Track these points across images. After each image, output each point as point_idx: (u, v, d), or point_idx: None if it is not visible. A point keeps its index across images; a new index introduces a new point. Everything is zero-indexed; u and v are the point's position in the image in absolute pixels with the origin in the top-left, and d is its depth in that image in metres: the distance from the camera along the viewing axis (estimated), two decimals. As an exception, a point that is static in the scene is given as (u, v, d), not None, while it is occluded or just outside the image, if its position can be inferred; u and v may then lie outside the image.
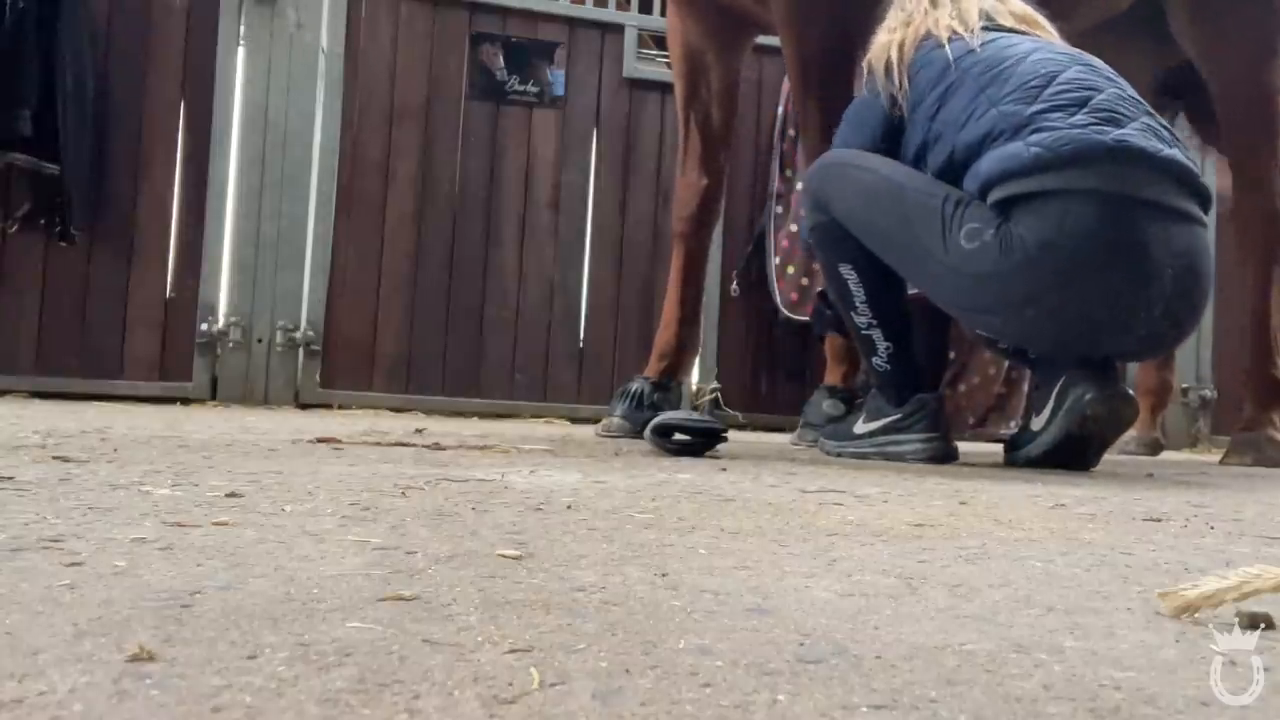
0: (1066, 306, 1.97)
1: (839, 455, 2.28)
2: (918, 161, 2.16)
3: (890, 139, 2.22)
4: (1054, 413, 2.10)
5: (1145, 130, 1.99)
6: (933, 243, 2.03)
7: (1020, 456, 2.17)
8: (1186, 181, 2.00)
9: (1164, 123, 2.09)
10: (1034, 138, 1.94)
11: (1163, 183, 1.97)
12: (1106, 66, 2.14)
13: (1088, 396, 2.05)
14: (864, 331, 2.24)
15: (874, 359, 2.25)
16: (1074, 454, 2.10)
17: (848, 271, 2.21)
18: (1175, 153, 2.00)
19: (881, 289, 2.20)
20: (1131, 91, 2.09)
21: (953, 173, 2.06)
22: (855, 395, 2.65)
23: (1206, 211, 2.08)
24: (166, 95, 3.60)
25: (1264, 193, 3.02)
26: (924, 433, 2.20)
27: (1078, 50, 2.18)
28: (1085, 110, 1.97)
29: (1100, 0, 2.95)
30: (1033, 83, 2.02)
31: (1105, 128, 1.94)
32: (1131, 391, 2.16)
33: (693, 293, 3.03)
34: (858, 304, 2.22)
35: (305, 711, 0.39)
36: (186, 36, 3.62)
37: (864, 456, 2.24)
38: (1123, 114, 1.99)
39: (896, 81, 2.20)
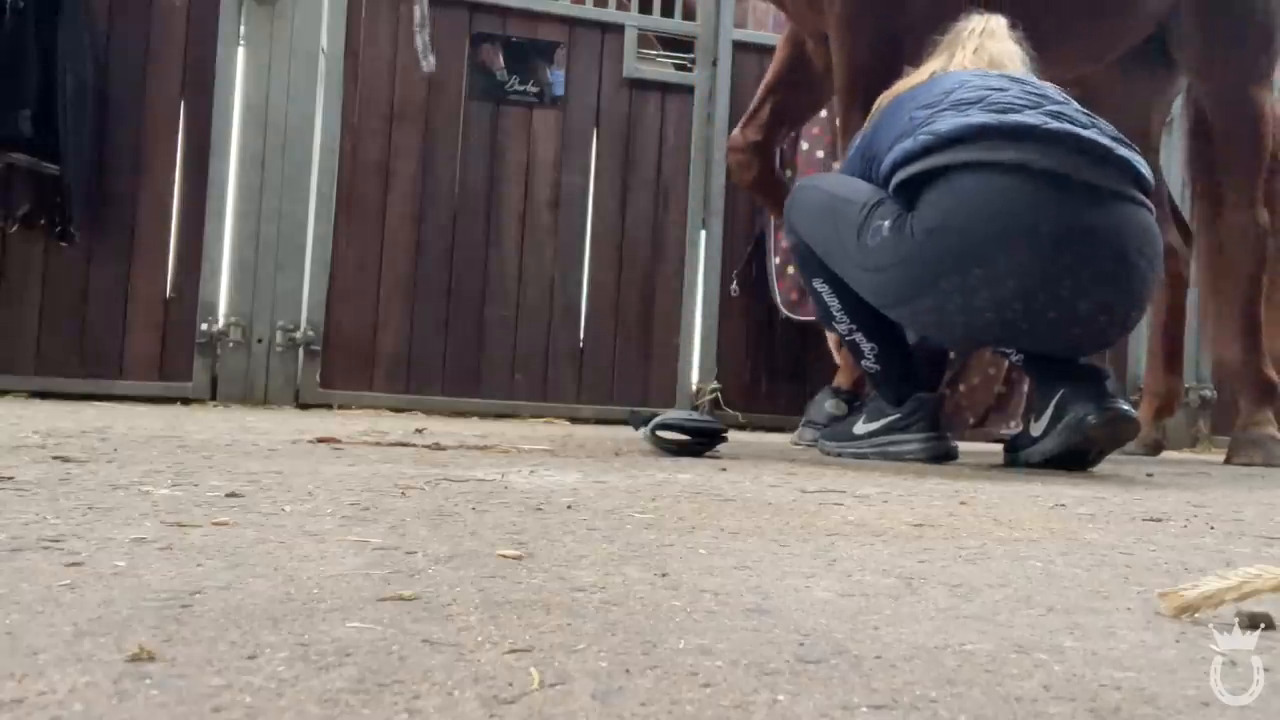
0: (964, 291, 1.94)
1: (839, 455, 2.29)
2: (872, 177, 2.21)
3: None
4: (1052, 424, 2.07)
5: (1050, 116, 1.94)
6: (851, 247, 2.10)
7: (1019, 459, 2.17)
8: (1104, 158, 1.93)
9: (1088, 112, 2.03)
10: (925, 128, 1.99)
11: (1068, 156, 1.90)
12: (1054, 89, 2.09)
13: (1090, 418, 2.01)
14: (848, 338, 2.31)
15: (863, 362, 2.32)
16: (1072, 462, 2.10)
17: (820, 285, 2.28)
18: (1084, 132, 1.93)
19: (854, 296, 2.22)
20: (1067, 102, 2.04)
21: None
22: (859, 398, 2.66)
23: (1144, 193, 1.99)
24: (166, 95, 3.60)
25: (1252, 206, 3.10)
26: (924, 433, 2.21)
27: (1042, 81, 2.15)
28: (980, 105, 1.99)
29: (1128, 31, 2.99)
30: (945, 89, 2.07)
31: (996, 115, 1.95)
32: (1129, 408, 2.10)
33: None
34: (835, 313, 2.28)
35: (305, 711, 0.39)
36: (186, 36, 3.62)
37: (864, 456, 2.24)
38: (1022, 106, 1.97)
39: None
